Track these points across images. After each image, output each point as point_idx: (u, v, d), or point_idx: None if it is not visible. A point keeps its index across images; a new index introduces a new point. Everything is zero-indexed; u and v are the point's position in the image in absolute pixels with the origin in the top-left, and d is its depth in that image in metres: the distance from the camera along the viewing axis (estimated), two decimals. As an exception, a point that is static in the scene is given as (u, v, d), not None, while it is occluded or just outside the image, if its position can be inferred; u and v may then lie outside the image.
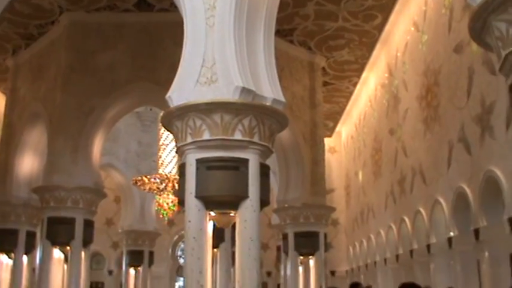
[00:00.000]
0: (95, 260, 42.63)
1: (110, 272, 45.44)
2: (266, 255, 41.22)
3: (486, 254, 17.73)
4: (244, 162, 14.60)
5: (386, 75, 30.05)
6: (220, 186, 14.89)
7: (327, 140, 35.28)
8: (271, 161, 19.48)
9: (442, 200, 21.11)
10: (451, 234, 20.19)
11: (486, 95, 17.29)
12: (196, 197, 14.52)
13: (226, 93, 12.66)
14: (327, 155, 34.76)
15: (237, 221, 16.21)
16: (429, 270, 22.48)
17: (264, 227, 30.03)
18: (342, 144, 43.86)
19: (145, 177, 29.83)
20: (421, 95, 23.76)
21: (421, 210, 23.60)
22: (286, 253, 28.27)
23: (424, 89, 23.41)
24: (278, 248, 35.31)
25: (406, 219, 25.85)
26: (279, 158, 27.83)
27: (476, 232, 17.94)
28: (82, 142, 23.63)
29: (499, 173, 16.39)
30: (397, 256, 27.49)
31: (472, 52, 18.13)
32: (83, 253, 24.32)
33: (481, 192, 17.63)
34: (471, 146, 18.49)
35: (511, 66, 11.59)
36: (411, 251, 25.08)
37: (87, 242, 24.55)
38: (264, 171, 15.78)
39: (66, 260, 24.03)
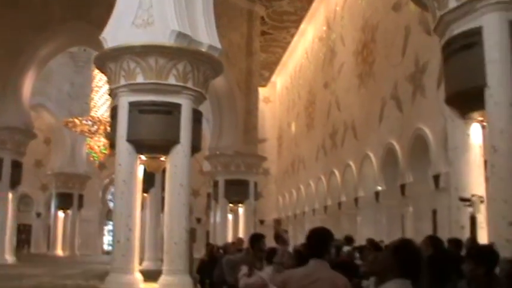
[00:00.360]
0: (23, 202, 41.87)
1: (38, 215, 44.82)
2: (196, 201, 41.28)
3: (410, 209, 18.25)
4: (177, 107, 14.54)
5: (324, 28, 30.09)
6: (152, 130, 14.84)
7: (261, 90, 35.28)
8: (205, 108, 19.39)
9: (371, 155, 21.51)
10: (379, 188, 20.66)
11: (420, 54, 17.54)
12: (128, 140, 14.39)
13: (162, 36, 12.46)
14: (261, 105, 34.83)
15: (168, 166, 16.17)
16: (356, 222, 23.01)
17: (195, 174, 30.01)
18: (277, 94, 43.98)
19: (77, 119, 29.33)
20: (358, 51, 23.92)
21: (351, 163, 23.99)
22: (216, 200, 28.44)
23: (360, 45, 23.57)
24: (208, 195, 35.46)
25: (336, 172, 26.27)
26: (212, 105, 27.73)
27: (403, 188, 18.40)
28: (12, 81, 22.95)
29: (427, 131, 16.76)
30: (326, 207, 28.00)
31: (409, 11, 18.29)
32: (10, 194, 23.89)
33: (410, 149, 18.04)
34: (403, 103, 18.80)
35: (445, 27, 11.77)
36: (339, 203, 25.58)
37: (14, 183, 24.09)
38: (197, 117, 15.75)
39: (-8, 201, 23.59)
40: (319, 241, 4.67)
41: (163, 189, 19.12)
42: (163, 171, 17.26)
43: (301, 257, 4.85)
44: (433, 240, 5.47)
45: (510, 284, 3.65)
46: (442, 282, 3.82)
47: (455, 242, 6.88)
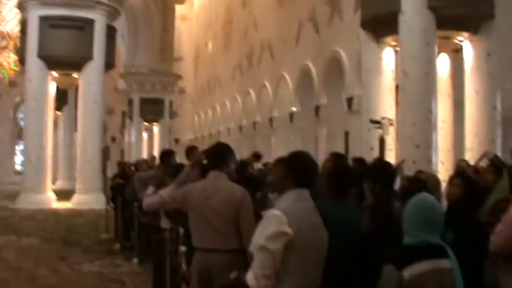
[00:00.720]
0: None
1: None
2: (111, 120, 40.70)
3: (324, 130, 18.60)
4: (90, 22, 14.14)
5: None
6: (64, 46, 14.43)
7: (178, 8, 34.61)
8: (120, 25, 18.93)
9: (287, 76, 21.63)
10: (293, 109, 20.90)
11: (338, -24, 17.53)
12: (39, 56, 13.98)
13: None
14: (178, 23, 34.24)
15: (81, 83, 15.88)
16: (270, 143, 23.30)
17: (109, 92, 29.51)
18: (194, 13, 43.26)
19: (-16, 33, 28.20)
20: (276, -30, 23.67)
21: (267, 84, 24.09)
22: (131, 119, 28.24)
23: (279, -36, 23.31)
24: (123, 114, 35.11)
25: (252, 92, 26.36)
26: (128, 22, 27.11)
27: (317, 109, 18.68)
28: None
29: (343, 54, 16.94)
30: (241, 127, 28.18)
31: None
32: None
33: (325, 71, 18.23)
34: (320, 25, 18.85)
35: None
36: (254, 123, 25.79)
37: None
38: (111, 33, 15.40)
39: None
40: (217, 155, 4.80)
41: (76, 107, 18.82)
42: (77, 88, 16.93)
43: (206, 171, 4.94)
44: (336, 156, 5.62)
45: (403, 197, 3.86)
46: (341, 195, 3.99)
47: (359, 161, 7.11)
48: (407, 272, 2.98)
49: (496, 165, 6.52)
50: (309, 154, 3.62)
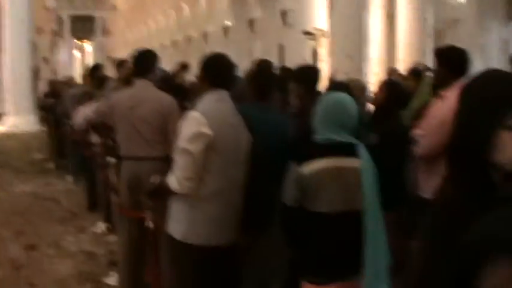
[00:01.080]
0: None
1: None
2: (41, 39, 39.46)
3: (259, 43, 18.56)
4: None
5: None
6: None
7: None
8: None
9: (221, -11, 21.34)
10: (228, 23, 20.70)
11: None
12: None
13: None
14: None
15: (5, 0, 15.32)
16: (205, 58, 23.15)
17: (38, 10, 28.54)
18: None
19: None
20: None
21: (200, -2, 23.77)
22: (62, 37, 27.52)
23: None
24: (54, 33, 34.12)
25: (186, 7, 25.95)
26: None
27: (251, 23, 18.56)
28: None
29: (276, -35, 16.75)
30: (175, 43, 27.86)
31: None
32: None
33: (259, -16, 18.06)
34: None
35: None
36: (189, 39, 25.51)
37: None
38: None
39: None
40: (142, 62, 4.75)
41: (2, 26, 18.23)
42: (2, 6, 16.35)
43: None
44: (261, 61, 5.63)
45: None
46: (264, 98, 4.02)
47: (287, 70, 7.16)
48: (308, 168, 3.03)
49: (416, 71, 6.63)
50: (225, 55, 3.64)
